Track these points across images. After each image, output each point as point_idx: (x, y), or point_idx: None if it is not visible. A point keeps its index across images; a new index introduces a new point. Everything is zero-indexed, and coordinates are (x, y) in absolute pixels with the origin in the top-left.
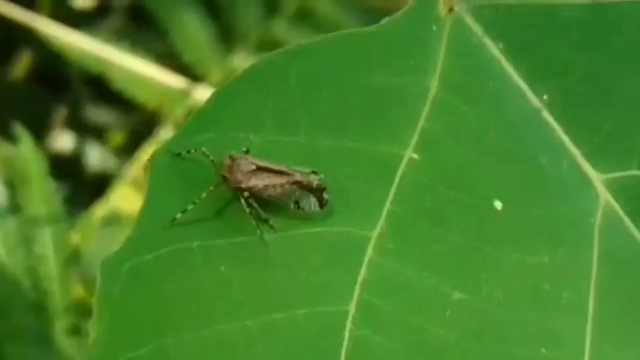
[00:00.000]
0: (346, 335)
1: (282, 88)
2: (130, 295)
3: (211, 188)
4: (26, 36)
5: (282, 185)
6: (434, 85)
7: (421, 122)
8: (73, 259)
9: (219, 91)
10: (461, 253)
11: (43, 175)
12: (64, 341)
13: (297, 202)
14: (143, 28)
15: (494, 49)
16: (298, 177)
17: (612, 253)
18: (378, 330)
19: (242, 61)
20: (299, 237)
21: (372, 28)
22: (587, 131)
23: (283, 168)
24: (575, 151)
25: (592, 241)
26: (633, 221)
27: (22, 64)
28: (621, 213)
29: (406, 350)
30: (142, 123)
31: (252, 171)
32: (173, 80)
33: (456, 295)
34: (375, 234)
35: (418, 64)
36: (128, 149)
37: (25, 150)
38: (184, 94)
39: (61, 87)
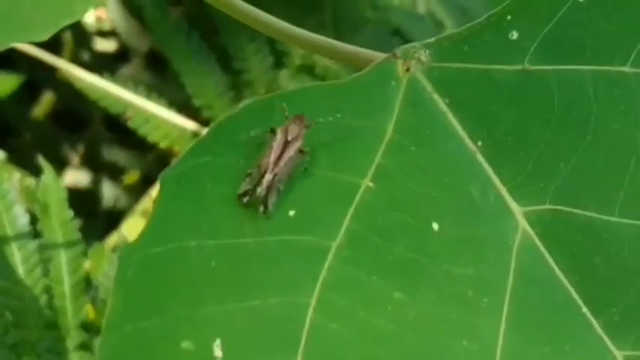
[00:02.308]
0: (307, 321)
1: (266, 124)
2: (140, 278)
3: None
4: (49, 78)
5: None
6: (390, 129)
7: (377, 158)
8: (85, 281)
9: (218, 123)
10: (403, 262)
11: (61, 204)
12: (74, 356)
13: None
14: (160, 74)
15: (441, 103)
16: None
17: (526, 269)
18: (333, 319)
19: None
20: (275, 242)
21: (343, 80)
22: (512, 172)
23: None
24: (501, 187)
25: (510, 258)
26: (544, 245)
27: (44, 104)
28: (535, 238)
29: (354, 336)
30: (154, 164)
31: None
32: (183, 122)
33: (397, 295)
34: (335, 244)
35: (378, 111)
36: (140, 187)
37: (46, 180)
38: (193, 136)
39: (80, 126)
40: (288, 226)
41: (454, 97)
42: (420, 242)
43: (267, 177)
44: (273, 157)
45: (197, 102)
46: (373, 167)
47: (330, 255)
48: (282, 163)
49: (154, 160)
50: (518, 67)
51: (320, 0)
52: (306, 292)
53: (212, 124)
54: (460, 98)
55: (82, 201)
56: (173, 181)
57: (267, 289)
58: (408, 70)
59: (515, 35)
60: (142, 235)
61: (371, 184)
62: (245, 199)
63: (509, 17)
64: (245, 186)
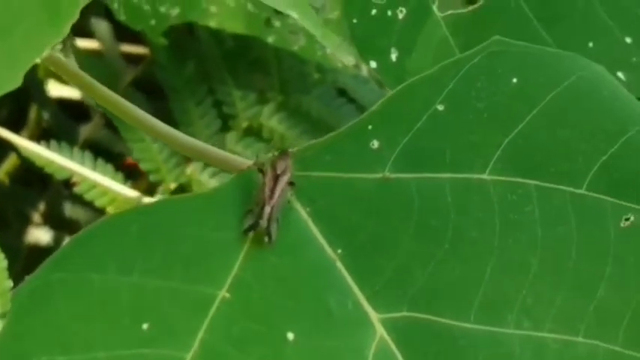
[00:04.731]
0: None
1: (124, 238)
2: None
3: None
4: (10, 144)
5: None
6: (249, 240)
7: (235, 269)
8: None
9: (76, 238)
10: None
11: (1, 274)
12: None
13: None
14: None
15: (302, 212)
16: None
17: None
18: None
19: (195, 170)
20: (127, 356)
21: (207, 191)
22: (371, 280)
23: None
24: (360, 295)
25: None
26: (401, 352)
27: (7, 164)
28: (392, 345)
29: None
30: None
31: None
32: (126, 190)
33: None
34: (189, 356)
35: (239, 222)
36: None
37: None
38: (137, 201)
39: (41, 184)
40: (141, 340)
41: (315, 206)
42: (275, 352)
43: (267, 209)
44: (267, 191)
45: (143, 167)
46: (230, 278)
47: None
48: (276, 195)
49: None
50: (379, 175)
51: (266, 63)
52: None
53: (66, 242)
54: (321, 207)
55: (43, 259)
56: (25, 297)
57: None
58: None
59: (376, 144)
60: None
61: (227, 295)
62: (250, 233)
63: (370, 127)
64: (247, 221)
